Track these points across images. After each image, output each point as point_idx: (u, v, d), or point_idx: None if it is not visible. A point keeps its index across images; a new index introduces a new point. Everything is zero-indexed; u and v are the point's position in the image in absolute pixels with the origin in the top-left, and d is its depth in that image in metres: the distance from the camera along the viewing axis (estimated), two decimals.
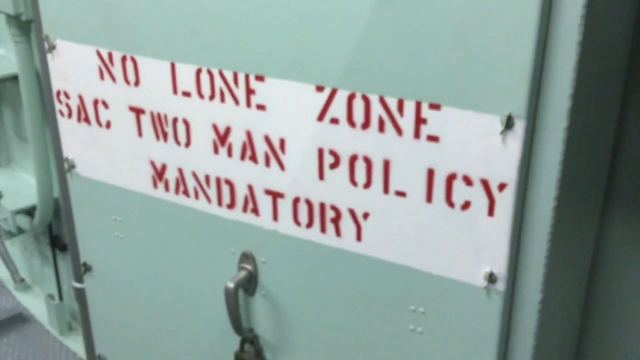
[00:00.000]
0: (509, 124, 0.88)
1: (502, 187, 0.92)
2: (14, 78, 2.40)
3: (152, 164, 1.23)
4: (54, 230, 2.68)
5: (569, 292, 1.17)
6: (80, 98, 1.26)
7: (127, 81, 1.19)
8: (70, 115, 1.30)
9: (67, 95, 1.28)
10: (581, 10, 0.83)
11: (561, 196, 0.94)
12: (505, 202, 0.93)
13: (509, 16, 0.84)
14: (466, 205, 0.96)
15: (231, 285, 1.16)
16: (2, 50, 2.70)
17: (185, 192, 1.21)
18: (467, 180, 0.95)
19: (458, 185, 0.96)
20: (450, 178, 0.96)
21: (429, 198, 0.98)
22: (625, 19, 1.09)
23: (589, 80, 0.96)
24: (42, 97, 2.24)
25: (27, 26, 2.12)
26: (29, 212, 2.60)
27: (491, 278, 0.97)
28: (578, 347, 1.33)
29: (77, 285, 1.51)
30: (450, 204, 0.97)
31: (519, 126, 0.88)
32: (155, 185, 1.24)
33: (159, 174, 1.23)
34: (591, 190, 1.19)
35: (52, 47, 1.25)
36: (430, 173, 0.97)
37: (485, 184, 0.93)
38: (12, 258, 2.96)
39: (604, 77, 1.06)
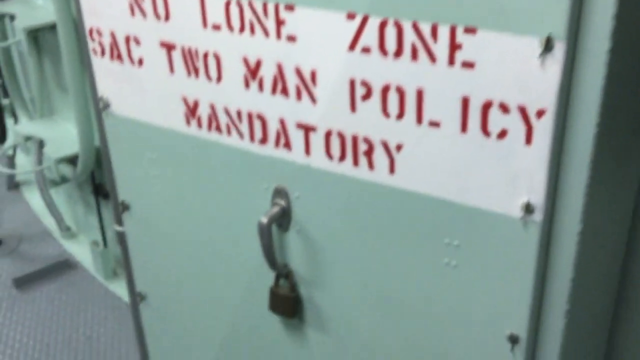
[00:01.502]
0: (548, 46, 0.84)
1: (540, 113, 0.89)
2: (53, 27, 2.42)
3: (185, 100, 1.22)
4: (97, 178, 2.73)
5: (610, 226, 1.14)
6: (113, 35, 1.26)
7: (157, 16, 1.18)
8: (103, 53, 1.30)
9: (99, 33, 1.28)
10: None
11: (603, 123, 0.90)
12: (544, 129, 0.90)
13: None
14: (503, 134, 0.93)
15: (264, 220, 1.16)
16: (40, 0, 2.72)
17: (218, 128, 1.21)
18: (504, 108, 0.91)
19: (494, 113, 0.92)
20: (486, 106, 0.93)
21: (463, 127, 0.96)
22: None
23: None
24: (80, 46, 2.26)
25: None
26: (72, 161, 2.65)
27: (528, 208, 0.94)
28: (620, 287, 1.30)
29: (118, 228, 1.53)
30: (486, 133, 0.94)
31: (559, 48, 0.84)
32: (188, 122, 1.24)
33: (192, 110, 1.23)
34: (637, 117, 1.14)
35: None
36: (465, 101, 0.94)
37: (522, 111, 0.90)
38: (57, 207, 3.04)
39: None
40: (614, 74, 0.87)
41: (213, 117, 1.20)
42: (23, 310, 2.75)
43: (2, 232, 3.25)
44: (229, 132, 1.20)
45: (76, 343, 2.56)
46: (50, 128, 2.85)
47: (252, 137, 1.17)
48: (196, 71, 1.18)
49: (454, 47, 0.92)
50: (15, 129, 2.93)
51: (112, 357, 2.48)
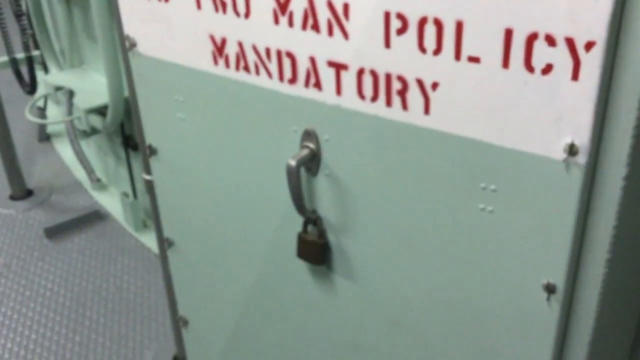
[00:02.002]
0: None
1: (589, 46, 0.83)
2: None
3: (212, 38, 1.18)
4: (126, 130, 2.73)
5: None
6: None
7: None
8: None
9: None
10: None
11: None
12: (593, 63, 0.83)
13: None
14: (548, 69, 0.87)
15: (293, 163, 1.12)
16: None
17: (246, 68, 1.17)
18: (550, 40, 0.85)
19: (539, 46, 0.86)
20: (531, 38, 0.87)
21: (505, 63, 0.90)
22: None
23: None
24: None
25: None
26: (102, 112, 2.65)
27: (572, 150, 0.89)
28: None
29: (147, 177, 1.51)
30: (530, 69, 0.88)
31: None
32: (215, 62, 1.20)
33: (219, 49, 1.18)
34: None
35: None
36: (508, 34, 0.88)
37: (570, 43, 0.84)
38: (87, 158, 3.06)
39: None
40: None
41: (241, 55, 1.16)
42: (54, 260, 2.78)
43: (34, 183, 3.28)
44: (257, 71, 1.16)
45: (106, 293, 2.59)
46: (80, 78, 2.84)
47: (281, 77, 1.13)
48: (224, 6, 1.14)
49: None
50: (45, 80, 2.93)
51: (142, 307, 2.51)
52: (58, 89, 2.80)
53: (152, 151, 1.42)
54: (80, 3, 2.68)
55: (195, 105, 1.29)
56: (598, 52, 0.83)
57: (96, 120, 2.71)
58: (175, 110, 1.32)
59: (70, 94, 2.73)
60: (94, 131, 2.78)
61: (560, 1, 0.82)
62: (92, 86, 2.74)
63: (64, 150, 3.43)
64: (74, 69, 2.92)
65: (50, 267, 2.74)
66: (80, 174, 3.25)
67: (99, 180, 3.14)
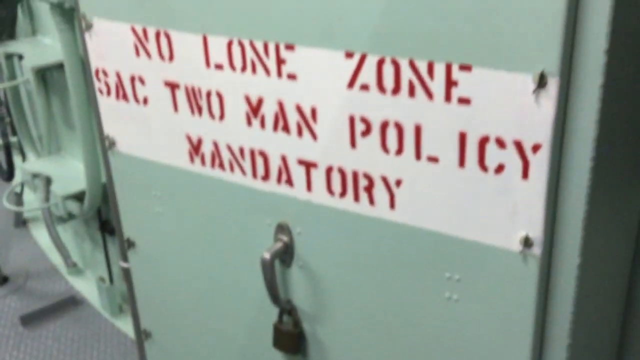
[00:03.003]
0: (541, 82, 0.86)
1: (536, 148, 0.90)
2: (60, 67, 2.47)
3: (189, 138, 1.25)
4: (103, 214, 2.75)
5: (611, 258, 1.14)
6: (118, 75, 1.29)
7: (161, 56, 1.21)
8: (109, 93, 1.33)
9: (105, 73, 1.31)
10: None
11: (599, 156, 0.91)
12: (540, 163, 0.91)
13: None
14: (500, 169, 0.94)
15: (267, 256, 1.17)
16: (48, 39, 2.77)
17: (221, 165, 1.23)
18: (500, 143, 0.93)
19: (491, 148, 0.94)
20: (483, 141, 0.94)
21: (461, 162, 0.97)
22: None
23: (630, 34, 0.93)
24: (87, 84, 2.30)
25: (70, 14, 2.17)
26: (79, 197, 2.68)
27: (527, 242, 0.95)
28: (625, 319, 1.30)
29: (124, 264, 1.54)
30: (484, 168, 0.95)
31: (552, 84, 0.86)
32: (192, 160, 1.26)
33: (195, 148, 1.25)
34: (635, 151, 1.15)
35: (89, 26, 1.28)
36: (463, 137, 0.96)
37: (518, 145, 0.92)
38: (64, 243, 3.06)
39: None
40: (608, 109, 0.89)
41: (216, 154, 1.22)
42: (29, 348, 2.74)
43: (9, 269, 3.26)
44: (232, 168, 1.22)
45: None
46: (57, 165, 2.88)
47: (254, 174, 1.19)
48: (200, 109, 1.21)
49: (450, 83, 0.94)
50: (23, 167, 2.97)
51: None
52: (35, 175, 2.83)
53: (130, 244, 1.46)
54: (58, 91, 2.76)
55: (173, 200, 1.34)
56: (544, 154, 0.90)
57: (73, 206, 2.74)
58: (153, 205, 1.37)
59: (48, 180, 2.76)
60: (70, 216, 2.80)
61: (507, 108, 0.90)
62: (70, 173, 2.78)
63: (41, 235, 3.43)
64: (51, 156, 2.96)
65: (26, 356, 2.70)
66: (56, 258, 3.24)
67: (75, 265, 3.14)
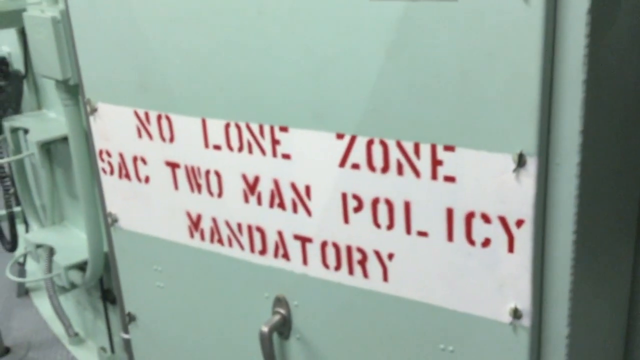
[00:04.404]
0: (521, 161, 0.91)
1: (519, 223, 0.95)
2: (65, 139, 2.54)
3: (188, 214, 1.29)
4: (105, 284, 2.77)
5: (603, 324, 1.17)
6: (121, 156, 1.35)
7: (162, 138, 1.26)
8: (112, 172, 1.38)
9: (108, 154, 1.37)
10: (584, 50, 0.86)
11: (581, 229, 0.95)
12: (524, 237, 0.95)
13: (513, 58, 0.88)
14: (486, 243, 0.98)
15: (265, 329, 1.20)
16: (53, 113, 2.86)
17: (220, 241, 1.27)
18: (486, 218, 0.97)
19: (477, 223, 0.98)
20: (469, 216, 0.98)
21: (450, 237, 1.01)
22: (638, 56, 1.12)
23: (605, 114, 0.98)
24: (91, 157, 2.36)
25: (75, 90, 2.25)
26: (81, 267, 2.70)
27: (516, 314, 0.98)
28: None
29: (125, 335, 1.57)
30: (471, 242, 0.99)
31: (531, 163, 0.91)
32: (192, 235, 1.30)
33: (195, 224, 1.29)
34: (620, 220, 1.19)
35: (94, 110, 1.35)
36: (450, 212, 1.00)
37: (503, 221, 0.96)
38: (65, 313, 3.06)
39: (623, 106, 1.08)
40: (589, 184, 0.94)
41: (215, 230, 1.27)
42: None
43: (11, 340, 3.25)
44: (230, 244, 1.26)
45: None
46: (60, 235, 2.91)
47: (252, 249, 1.23)
48: (199, 187, 1.26)
49: (435, 163, 0.99)
50: (26, 237, 3.00)
51: None
52: (38, 246, 2.87)
53: (131, 318, 1.48)
54: (63, 163, 2.82)
55: (174, 274, 1.37)
56: (528, 228, 0.94)
57: (75, 276, 2.76)
58: (154, 280, 1.40)
59: (51, 251, 2.79)
60: (73, 286, 2.82)
61: (490, 185, 0.95)
62: (72, 243, 2.81)
63: (43, 304, 3.44)
64: (54, 226, 3.00)
65: None
66: (58, 328, 3.24)
67: (76, 334, 3.13)
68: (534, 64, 0.86)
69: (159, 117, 1.25)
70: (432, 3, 0.91)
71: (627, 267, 1.30)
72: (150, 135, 1.28)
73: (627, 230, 1.24)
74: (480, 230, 0.98)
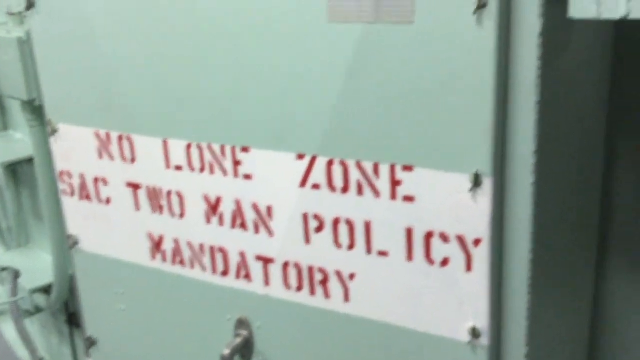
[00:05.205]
0: (477, 181, 0.92)
1: (477, 242, 0.95)
2: (30, 160, 2.51)
3: (150, 236, 1.28)
4: (71, 307, 2.72)
5: (564, 343, 1.18)
6: (82, 177, 1.33)
7: (124, 159, 1.25)
8: (73, 193, 1.37)
9: (69, 175, 1.35)
10: (536, 72, 0.88)
11: (538, 248, 0.96)
12: (482, 257, 0.96)
13: (468, 80, 0.89)
14: (445, 262, 0.99)
15: (227, 352, 1.19)
16: (19, 134, 2.82)
17: (182, 262, 1.26)
18: (444, 238, 0.98)
19: (436, 242, 0.99)
20: (428, 236, 0.99)
21: (409, 256, 1.02)
22: (599, 71, 1.14)
23: (562, 134, 1.00)
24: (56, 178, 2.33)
25: (40, 111, 2.22)
26: (46, 290, 2.65)
27: (475, 333, 0.98)
28: None
29: None
30: (430, 261, 1.00)
31: (487, 183, 0.92)
32: (153, 257, 1.29)
33: (157, 245, 1.28)
34: (580, 239, 1.21)
35: (55, 131, 1.33)
36: (409, 232, 1.01)
37: (461, 240, 0.97)
38: (31, 337, 3.00)
39: (581, 127, 1.10)
40: (545, 203, 0.95)
41: (177, 251, 1.26)
42: None
43: None
44: (192, 265, 1.25)
45: None
46: (26, 258, 2.86)
47: (214, 270, 1.22)
48: (160, 208, 1.25)
49: (394, 183, 1.00)
50: None
51: None
52: (3, 269, 2.81)
53: (92, 342, 1.46)
54: (28, 183, 2.78)
55: (135, 297, 1.35)
56: (485, 247, 0.95)
57: (41, 299, 2.71)
58: (116, 303, 1.39)
59: (16, 274, 2.74)
60: (38, 310, 2.77)
61: (448, 205, 0.96)
62: (38, 265, 2.76)
63: (7, 329, 3.36)
64: (20, 248, 2.95)
65: None
66: (23, 353, 3.17)
67: (42, 359, 3.06)
68: (488, 86, 0.88)
69: (120, 138, 1.24)
70: (389, 26, 0.92)
71: (589, 285, 1.31)
72: (111, 156, 1.27)
73: (587, 249, 1.26)
74: (439, 249, 0.99)
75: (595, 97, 1.16)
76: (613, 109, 1.22)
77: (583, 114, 1.12)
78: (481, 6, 0.85)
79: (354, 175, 1.03)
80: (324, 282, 1.11)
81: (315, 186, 1.06)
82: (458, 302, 0.99)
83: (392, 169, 0.99)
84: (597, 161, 1.23)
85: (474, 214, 0.94)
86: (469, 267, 0.97)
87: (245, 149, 1.11)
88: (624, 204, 1.27)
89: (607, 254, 1.32)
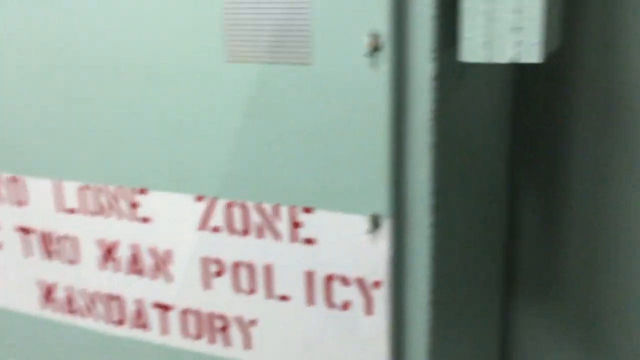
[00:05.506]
0: (375, 223, 0.92)
1: (376, 285, 0.95)
2: None
3: (41, 283, 1.21)
4: None
5: None
6: None
7: (15, 202, 1.19)
8: None
9: None
10: (430, 114, 0.89)
11: (438, 290, 0.96)
12: (382, 299, 0.95)
13: (363, 122, 0.89)
14: (346, 306, 0.97)
15: None
16: None
17: (75, 311, 1.19)
18: (345, 281, 0.96)
19: (336, 285, 0.97)
20: (329, 279, 0.97)
21: (311, 301, 0.99)
22: (501, 109, 1.17)
23: (460, 173, 1.02)
24: None
25: None
26: None
27: None
28: None
29: None
30: (331, 305, 0.98)
31: (385, 225, 0.92)
32: (44, 306, 1.21)
33: (48, 293, 1.20)
34: (485, 277, 1.22)
35: None
36: (310, 275, 0.99)
37: (361, 282, 0.95)
38: None
39: (482, 165, 1.12)
40: (441, 243, 0.96)
41: (69, 299, 1.19)
42: None
43: None
44: (85, 314, 1.18)
45: None
46: None
47: (109, 319, 1.16)
48: (53, 254, 1.18)
49: (295, 225, 0.98)
50: None
51: None
52: None
53: None
54: None
55: (27, 349, 1.27)
56: (385, 290, 0.94)
57: None
58: (7, 356, 1.29)
59: None
60: None
61: (348, 247, 0.95)
62: None
63: None
64: None
65: None
66: None
67: None
68: (382, 128, 0.88)
69: (11, 180, 1.18)
70: (287, 67, 0.92)
71: (495, 321, 1.33)
72: (1, 198, 1.20)
73: (493, 285, 1.28)
74: (339, 293, 0.97)
75: (497, 135, 1.20)
76: (516, 146, 1.26)
77: (485, 152, 1.14)
78: (375, 49, 0.86)
79: (254, 217, 1.00)
80: (224, 329, 1.07)
81: (215, 229, 1.03)
82: (359, 346, 0.97)
83: (292, 210, 0.98)
84: (501, 197, 1.26)
85: (373, 256, 0.94)
86: (369, 311, 0.96)
87: (142, 191, 1.07)
88: (529, 239, 1.31)
89: (514, 290, 1.35)
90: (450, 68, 0.91)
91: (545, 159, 1.28)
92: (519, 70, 1.28)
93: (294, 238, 0.99)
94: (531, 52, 0.82)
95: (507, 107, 1.23)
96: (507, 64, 0.91)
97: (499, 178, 1.24)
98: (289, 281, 1.00)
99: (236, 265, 1.03)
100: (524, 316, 1.36)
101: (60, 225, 1.15)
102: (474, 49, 0.86)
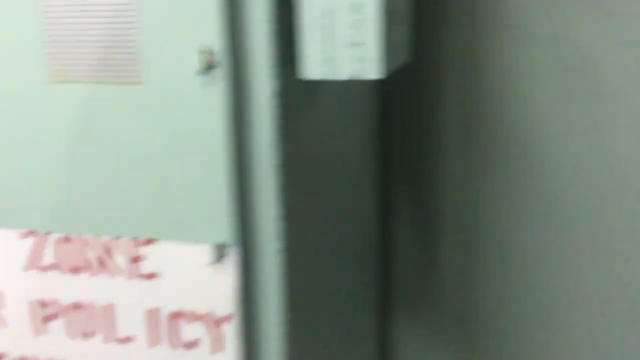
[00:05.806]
0: (220, 253, 0.85)
1: (225, 319, 0.88)
2: None
3: None
4: None
5: None
6: None
7: None
8: None
9: None
10: (274, 133, 0.84)
11: (295, 319, 0.91)
12: (231, 334, 0.88)
13: (201, 145, 0.83)
14: (194, 344, 0.90)
15: None
16: None
17: None
18: (191, 317, 0.89)
19: (183, 322, 0.89)
20: (174, 316, 0.90)
21: (156, 340, 0.91)
22: (364, 123, 1.14)
23: (316, 194, 0.97)
24: None
25: None
26: None
27: None
28: None
29: None
30: (178, 344, 0.90)
31: (231, 254, 0.85)
32: None
33: None
34: (355, 300, 1.18)
35: None
36: (154, 313, 0.90)
37: (208, 318, 0.88)
38: None
39: (345, 183, 1.08)
40: (295, 269, 0.90)
41: None
42: None
43: None
44: None
45: None
46: None
47: None
48: None
49: (135, 259, 0.89)
50: None
51: None
52: None
53: None
54: None
55: None
56: (234, 325, 0.88)
57: None
58: None
59: None
60: None
61: (193, 280, 0.88)
62: None
63: None
64: None
65: None
66: None
67: None
68: (220, 150, 0.82)
69: None
70: (114, 87, 0.84)
71: (372, 343, 1.29)
72: None
73: (367, 309, 1.24)
74: (186, 330, 0.89)
75: (362, 151, 1.16)
76: (385, 160, 1.23)
77: (348, 169, 1.10)
78: (209, 66, 0.80)
79: (91, 252, 0.91)
80: None
81: (45, 268, 0.93)
82: None
83: (132, 243, 0.89)
84: (370, 214, 1.22)
85: (220, 288, 0.87)
86: (218, 347, 0.89)
87: None
88: (404, 256, 1.29)
89: (390, 307, 1.32)
90: (297, 85, 0.86)
91: (416, 172, 1.26)
92: (383, 85, 1.26)
93: (135, 273, 0.90)
94: (371, 68, 0.79)
95: (373, 121, 1.21)
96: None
97: (367, 194, 1.21)
98: (131, 320, 0.91)
99: (73, 306, 0.93)
100: (403, 331, 1.34)
101: None
102: (314, 65, 0.81)
